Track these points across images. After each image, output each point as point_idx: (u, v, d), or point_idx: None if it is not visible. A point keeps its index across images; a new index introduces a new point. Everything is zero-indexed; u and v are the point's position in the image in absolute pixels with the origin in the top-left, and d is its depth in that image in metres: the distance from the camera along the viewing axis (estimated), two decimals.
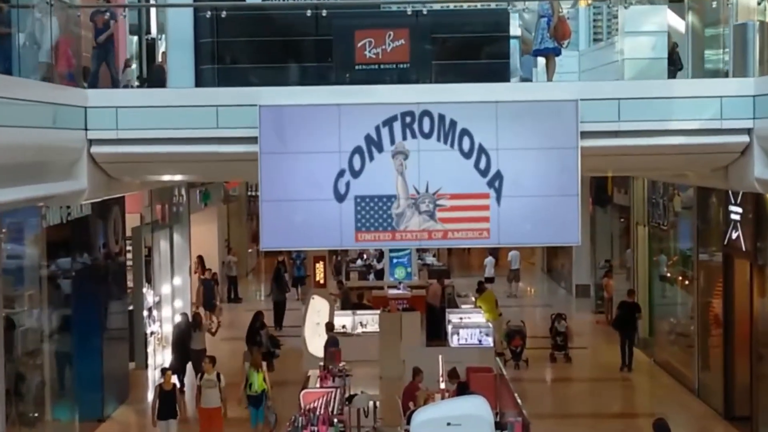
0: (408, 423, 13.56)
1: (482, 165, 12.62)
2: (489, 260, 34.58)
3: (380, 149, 12.63)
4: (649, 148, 13.00)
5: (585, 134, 12.66)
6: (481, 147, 12.58)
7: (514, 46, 15.46)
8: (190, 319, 22.02)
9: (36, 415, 16.37)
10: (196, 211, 29.31)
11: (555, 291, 34.36)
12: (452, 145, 12.60)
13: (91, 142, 12.86)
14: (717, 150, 13.11)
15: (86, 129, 12.76)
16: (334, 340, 20.68)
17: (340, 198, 12.67)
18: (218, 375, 17.08)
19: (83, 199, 13.07)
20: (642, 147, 12.97)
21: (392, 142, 12.62)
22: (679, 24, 15.53)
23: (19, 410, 15.56)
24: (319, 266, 26.75)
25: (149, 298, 24.37)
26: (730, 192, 18.02)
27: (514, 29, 15.81)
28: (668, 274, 23.34)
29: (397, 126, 12.60)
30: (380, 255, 32.08)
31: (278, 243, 13.33)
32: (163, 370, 17.60)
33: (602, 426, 18.89)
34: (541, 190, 12.68)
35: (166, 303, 25.88)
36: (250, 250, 39.61)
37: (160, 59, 16.35)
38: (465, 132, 12.59)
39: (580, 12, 17.67)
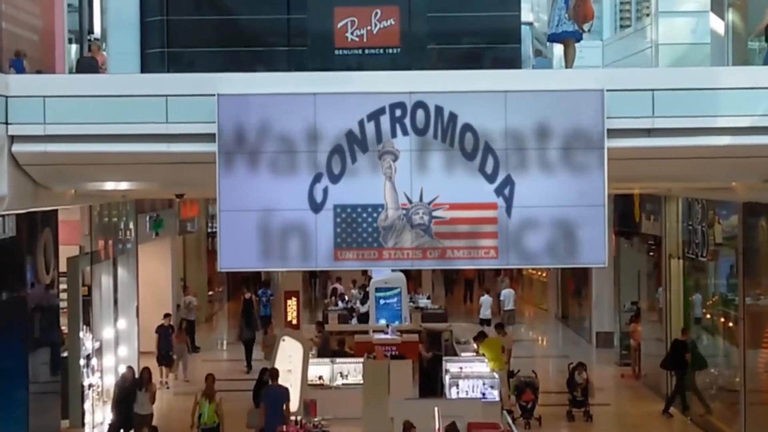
0: None
1: (488, 168, 12.12)
2: (485, 299, 34.30)
3: (365, 149, 12.13)
4: (688, 150, 12.56)
5: (612, 132, 12.21)
6: (487, 146, 12.10)
7: (526, 32, 14.98)
8: (137, 375, 21.15)
9: None
10: (145, 241, 28.70)
11: (572, 340, 33.72)
12: (452, 144, 12.11)
13: (12, 138, 12.33)
14: None
15: (6, 123, 12.24)
16: None
17: (316, 208, 12.17)
18: None
19: (2, 209, 12.47)
20: (680, 149, 12.52)
21: (379, 139, 12.12)
22: None
23: None
24: (291, 303, 26.13)
25: (87, 343, 23.65)
26: None
27: (526, 14, 15.35)
28: (708, 316, 22.80)
29: (385, 120, 12.11)
30: (364, 296, 31.46)
31: (239, 263, 12.74)
32: None
33: None
34: (559, 200, 12.19)
35: (108, 350, 25.19)
36: (210, 293, 38.97)
37: (88, 51, 15.77)
38: (467, 128, 12.11)
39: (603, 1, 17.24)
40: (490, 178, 12.11)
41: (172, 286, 31.70)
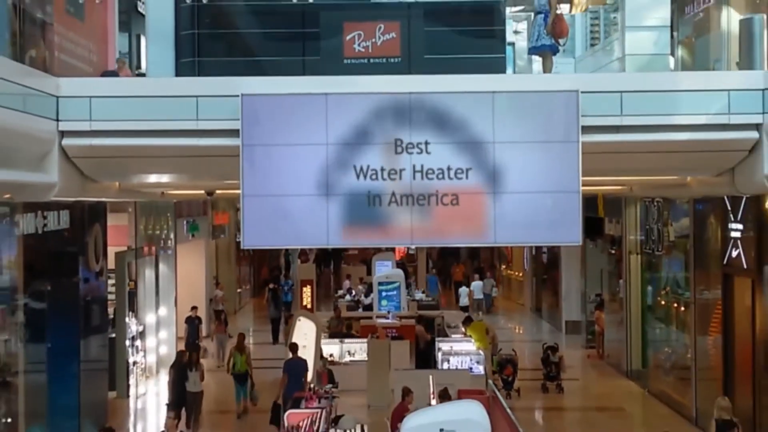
0: None
1: (478, 159, 11.54)
2: (463, 290, 34.01)
3: (370, 141, 11.56)
4: (652, 144, 12.04)
5: (586, 129, 11.68)
6: (478, 140, 11.53)
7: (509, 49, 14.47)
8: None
9: None
10: (182, 242, 28.21)
11: (545, 328, 33.09)
12: (447, 138, 11.54)
13: (62, 133, 11.80)
14: (725, 147, 12.13)
15: (58, 120, 11.71)
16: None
17: (327, 193, 11.58)
18: None
19: (54, 194, 11.93)
20: (645, 143, 12.02)
21: (383, 133, 11.55)
22: None
23: None
24: (306, 290, 25.72)
25: (132, 327, 23.13)
26: (729, 210, 17.07)
27: (510, 35, 14.83)
28: (662, 302, 22.22)
29: (388, 117, 11.53)
30: (368, 290, 31.02)
31: (261, 241, 12.18)
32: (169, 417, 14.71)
33: None
34: (540, 186, 11.62)
35: (150, 333, 24.67)
36: (239, 290, 38.37)
37: (115, 65, 15.24)
38: (460, 124, 11.53)
39: (576, 18, 16.73)
40: (480, 168, 11.53)
41: (205, 281, 31.03)
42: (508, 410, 14.90)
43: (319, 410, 15.58)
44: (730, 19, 15.85)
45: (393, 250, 45.92)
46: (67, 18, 16.39)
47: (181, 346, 22.80)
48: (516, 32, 14.80)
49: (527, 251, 37.73)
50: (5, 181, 10.88)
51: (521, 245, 30.94)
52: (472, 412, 10.36)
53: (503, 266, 43.17)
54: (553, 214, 11.64)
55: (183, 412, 17.98)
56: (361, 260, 42.32)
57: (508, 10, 14.15)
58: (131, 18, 26.35)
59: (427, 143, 11.51)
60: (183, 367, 18.98)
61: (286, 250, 47.33)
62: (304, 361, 18.91)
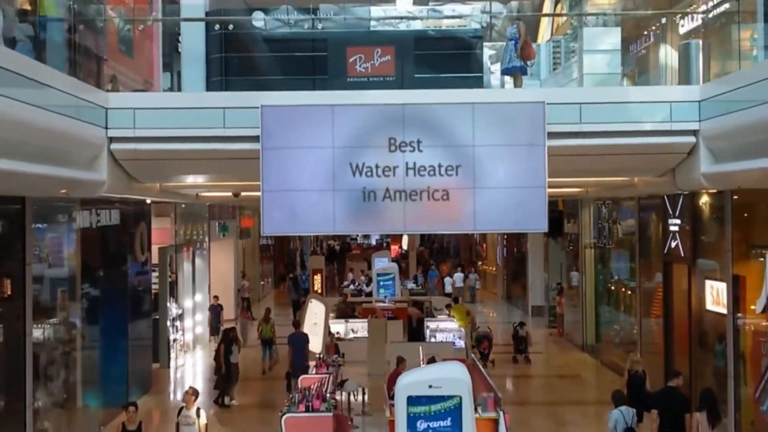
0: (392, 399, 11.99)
1: (461, 159, 11.16)
2: (447, 280, 33.98)
3: (370, 145, 11.18)
4: (607, 147, 11.66)
5: (551, 135, 11.30)
6: (460, 143, 11.16)
7: (487, 67, 14.12)
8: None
9: (67, 400, 14.74)
10: (215, 240, 27.81)
11: (514, 312, 32.61)
12: (435, 141, 11.16)
13: (111, 139, 11.45)
14: (667, 150, 11.77)
15: (107, 127, 11.36)
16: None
17: (333, 188, 11.19)
18: (198, 410, 12.42)
19: (103, 191, 11.57)
20: (601, 147, 11.63)
21: (380, 138, 11.16)
22: None
23: (54, 398, 14.10)
24: (317, 278, 25.37)
25: (173, 310, 22.72)
26: (668, 207, 16.71)
27: (486, 59, 14.48)
28: (612, 288, 21.84)
29: (385, 124, 11.16)
30: (369, 281, 30.64)
31: (278, 229, 11.77)
32: (126, 406, 12.39)
33: (558, 411, 17.39)
34: (513, 183, 11.23)
35: (188, 315, 24.28)
36: (262, 283, 37.92)
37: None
38: (446, 130, 11.16)
39: (541, 47, 16.38)
40: (463, 167, 11.16)
41: (233, 273, 30.62)
42: (485, 373, 14.49)
43: (328, 375, 15.25)
44: (668, 55, 15.57)
45: (389, 248, 45.75)
46: (119, 55, 16.17)
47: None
48: (491, 57, 14.42)
49: (500, 250, 37.35)
50: (64, 177, 10.52)
51: (497, 232, 30.54)
52: (456, 371, 9.98)
53: (480, 262, 42.78)
54: (524, 205, 11.25)
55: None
56: (362, 258, 42.08)
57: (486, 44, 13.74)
58: (173, 58, 25.97)
59: (419, 146, 11.15)
60: (230, 342, 18.50)
61: (302, 249, 47.01)
62: (306, 335, 18.50)
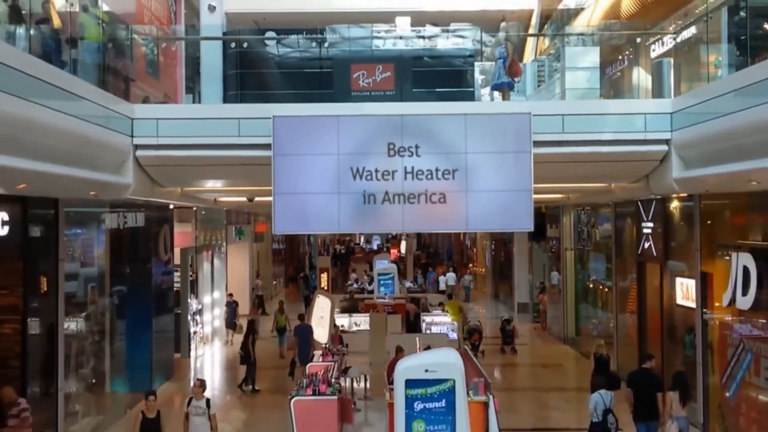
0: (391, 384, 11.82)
1: (455, 165, 11.04)
2: (441, 278, 33.72)
3: (372, 152, 11.04)
4: (587, 155, 11.54)
5: (536, 143, 11.20)
6: (454, 151, 11.03)
7: (477, 84, 13.96)
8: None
9: (96, 386, 14.60)
10: (231, 243, 27.62)
11: (502, 309, 32.43)
12: (431, 149, 11.02)
13: (136, 147, 11.32)
14: (642, 158, 11.65)
15: (132, 136, 11.24)
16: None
17: (338, 191, 11.06)
18: (208, 401, 11.39)
19: (129, 193, 11.43)
20: (581, 154, 11.52)
21: (381, 145, 11.04)
22: None
23: (85, 383, 14.03)
24: (324, 276, 25.12)
25: (193, 305, 22.54)
26: (642, 212, 16.55)
27: (477, 76, 14.32)
28: (591, 286, 21.65)
29: (386, 133, 11.03)
30: (371, 280, 30.44)
31: (288, 228, 11.57)
32: (146, 394, 11.22)
33: (541, 396, 17.16)
34: (502, 186, 11.11)
35: (207, 310, 24.08)
36: (274, 282, 37.69)
37: None
38: (441, 138, 11.03)
39: (527, 66, 16.24)
40: (456, 172, 11.04)
41: (248, 273, 30.43)
42: (476, 361, 14.30)
43: (333, 363, 15.08)
44: (640, 77, 15.46)
45: (389, 252, 45.54)
46: (146, 77, 16.09)
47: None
48: (482, 81, 14.29)
49: (488, 253, 37.14)
50: (94, 180, 10.40)
51: (488, 231, 30.34)
52: (450, 356, 9.80)
53: (471, 265, 42.55)
54: (512, 207, 11.13)
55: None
56: (365, 261, 41.93)
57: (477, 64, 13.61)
58: (195, 81, 25.86)
59: (416, 153, 11.01)
60: (253, 333, 18.25)
61: (311, 252, 46.81)
62: (310, 327, 18.32)
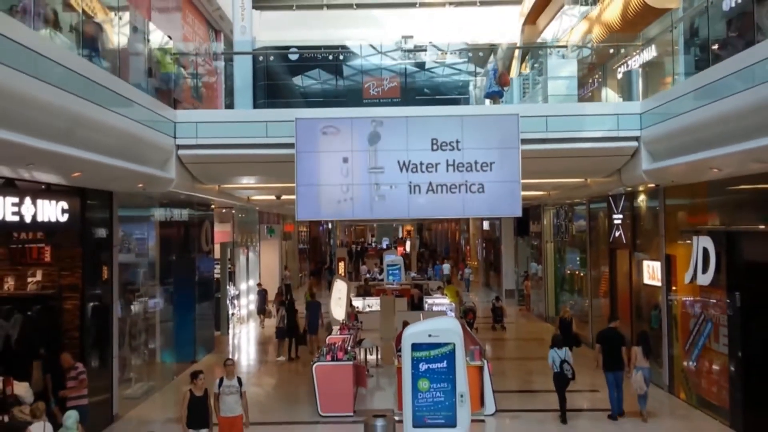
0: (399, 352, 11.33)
1: (453, 159, 10.56)
2: (438, 267, 33.13)
3: (382, 148, 10.58)
4: (567, 151, 11.07)
5: (523, 141, 10.71)
6: (453, 147, 10.55)
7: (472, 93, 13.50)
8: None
9: (149, 356, 14.16)
10: (263, 240, 27.17)
11: (492, 294, 31.78)
12: (433, 146, 10.55)
13: (178, 146, 10.90)
14: (615, 153, 11.15)
15: (175, 137, 10.81)
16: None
17: (353, 183, 10.59)
18: (239, 380, 9.72)
19: (172, 187, 11.02)
20: (562, 150, 11.05)
21: (390, 143, 10.57)
22: None
23: (140, 355, 13.71)
24: (341, 264, 24.56)
25: (231, 291, 22.08)
26: (613, 205, 16.00)
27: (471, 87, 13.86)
28: (568, 273, 21.06)
29: (394, 131, 10.57)
30: (381, 270, 29.91)
31: (309, 215, 11.08)
32: (193, 375, 9.53)
33: (527, 364, 16.59)
34: (495, 178, 10.62)
35: (243, 295, 23.62)
36: (300, 275, 37.18)
37: None
38: (441, 136, 10.56)
39: (513, 80, 15.76)
40: (455, 165, 10.56)
41: (278, 265, 29.95)
42: (472, 333, 13.77)
43: (349, 336, 14.59)
44: (608, 97, 14.97)
45: (396, 249, 44.99)
46: (192, 99, 15.66)
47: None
48: (476, 85, 13.83)
49: (480, 248, 36.52)
50: (143, 173, 10.01)
51: (481, 217, 29.60)
52: (450, 323, 9.32)
53: (466, 259, 41.91)
54: (503, 196, 10.64)
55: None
56: (377, 257, 41.43)
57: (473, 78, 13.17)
58: (233, 102, 25.52)
59: (419, 149, 10.52)
60: (293, 307, 17.66)
61: (331, 250, 46.25)
62: (318, 303, 17.94)
